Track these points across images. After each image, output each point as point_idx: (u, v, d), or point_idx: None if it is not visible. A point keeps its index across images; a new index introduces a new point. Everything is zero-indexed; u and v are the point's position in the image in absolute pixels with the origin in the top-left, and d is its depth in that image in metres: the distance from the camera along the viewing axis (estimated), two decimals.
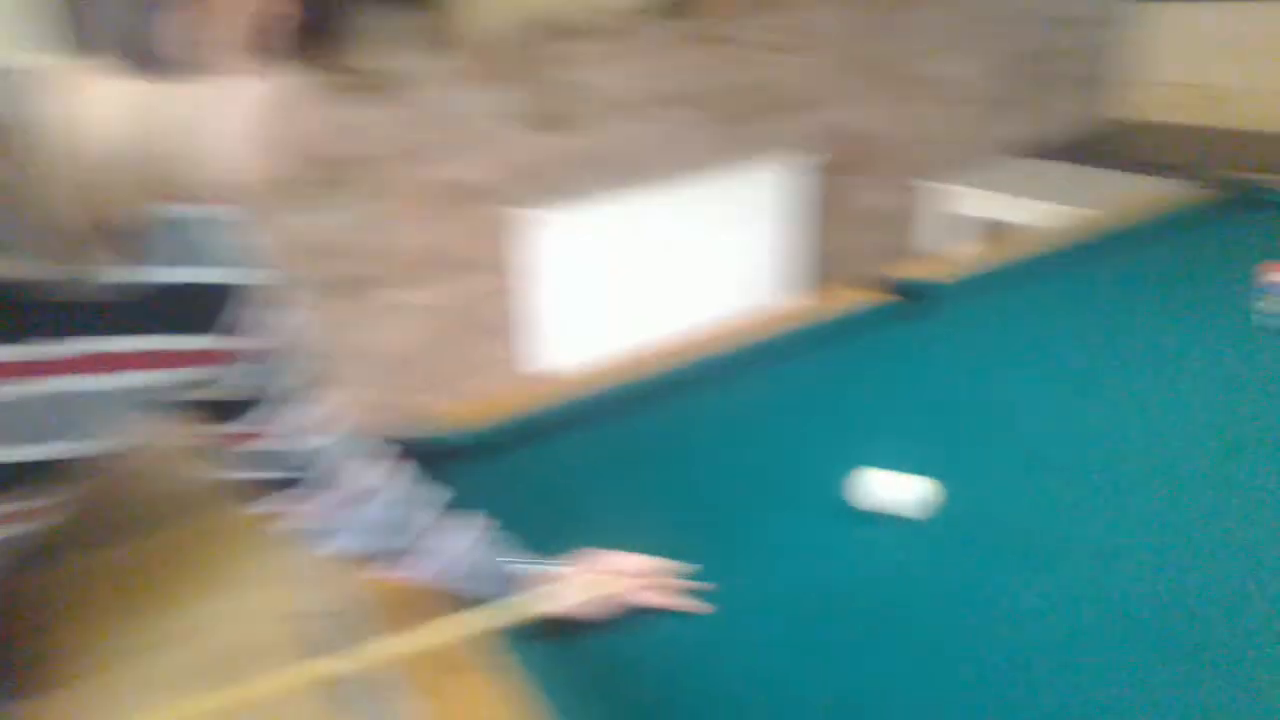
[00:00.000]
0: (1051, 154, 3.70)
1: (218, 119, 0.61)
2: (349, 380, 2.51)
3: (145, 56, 0.57)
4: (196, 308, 0.75)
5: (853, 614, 1.01)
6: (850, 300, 1.80)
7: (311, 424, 0.89)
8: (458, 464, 1.28)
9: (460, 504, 1.05)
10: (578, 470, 1.32)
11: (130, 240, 0.67)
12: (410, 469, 1.04)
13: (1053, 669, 0.91)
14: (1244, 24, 3.52)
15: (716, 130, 3.06)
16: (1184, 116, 3.82)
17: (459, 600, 0.98)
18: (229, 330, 0.78)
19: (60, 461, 0.69)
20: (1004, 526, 1.13)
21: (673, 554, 1.06)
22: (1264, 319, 1.58)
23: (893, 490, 1.16)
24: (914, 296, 1.79)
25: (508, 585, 0.99)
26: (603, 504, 1.24)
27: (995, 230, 3.49)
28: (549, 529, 1.10)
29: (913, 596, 1.03)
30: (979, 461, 1.27)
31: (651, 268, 2.94)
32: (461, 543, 1.00)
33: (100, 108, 0.59)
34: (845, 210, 3.44)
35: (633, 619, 1.01)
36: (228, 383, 0.81)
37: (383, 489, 0.97)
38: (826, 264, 3.46)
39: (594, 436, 1.40)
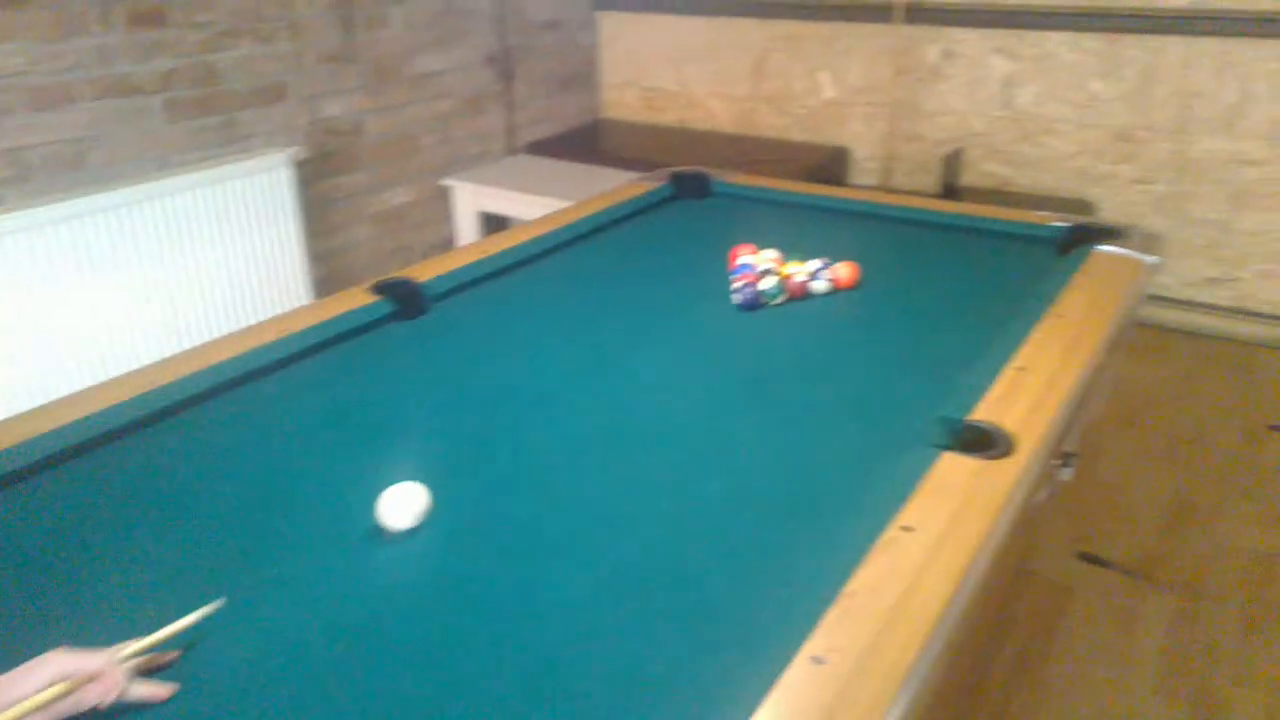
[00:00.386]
0: (548, 150, 3.88)
1: None
2: None
3: None
4: None
5: (388, 634, 0.88)
6: (344, 305, 1.65)
7: None
8: None
9: None
10: (54, 523, 1.07)
11: None
12: None
13: (585, 646, 0.87)
14: (681, 34, 4.00)
15: (175, 124, 2.67)
16: (645, 117, 4.25)
17: None
18: None
19: None
20: (515, 517, 1.08)
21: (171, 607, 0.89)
22: (737, 295, 1.75)
23: (399, 505, 1.08)
24: (406, 297, 1.71)
25: None
26: (89, 557, 1.03)
27: (497, 225, 3.56)
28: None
29: (442, 606, 0.93)
30: (485, 457, 1.22)
31: (111, 286, 2.48)
32: None
33: None
34: (346, 209, 3.25)
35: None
36: None
37: None
38: (327, 267, 3.24)
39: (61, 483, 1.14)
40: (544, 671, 0.89)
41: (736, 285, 1.70)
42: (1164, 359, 3.09)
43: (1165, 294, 3.34)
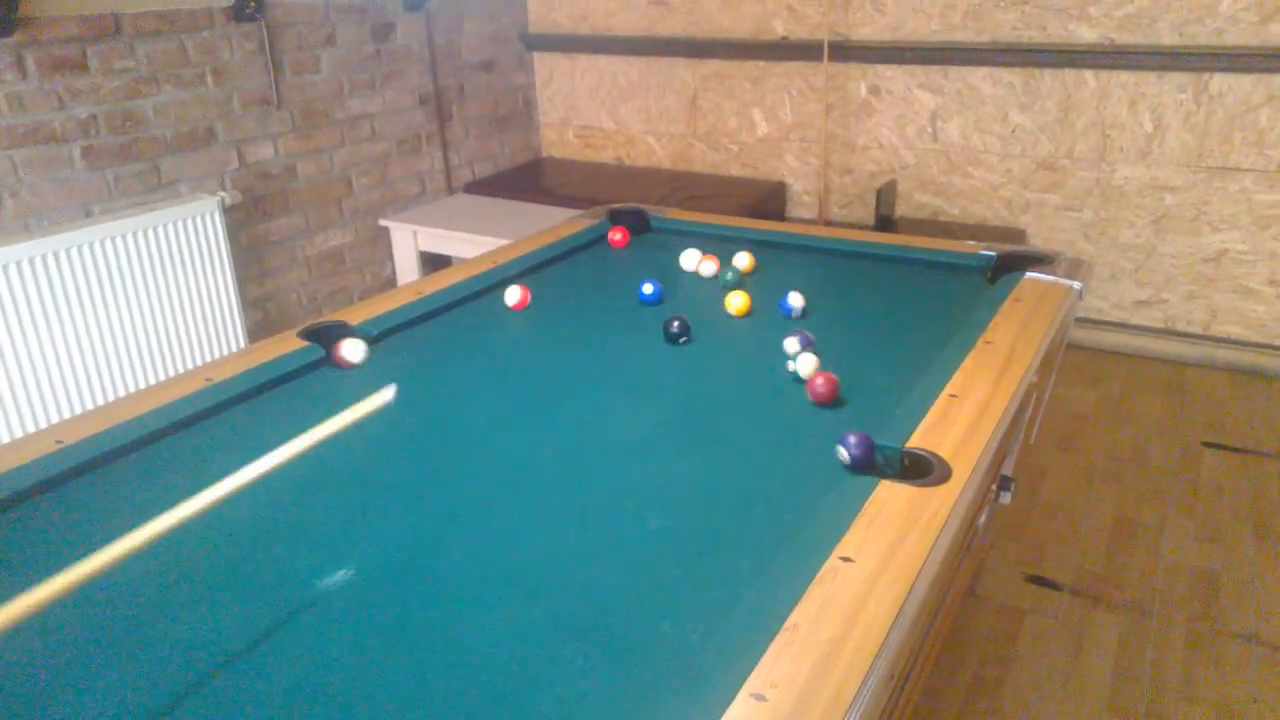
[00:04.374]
0: (487, 189, 3.86)
1: None
2: None
3: None
4: None
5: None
6: (273, 351, 1.60)
7: None
8: None
9: None
10: None
11: None
12: None
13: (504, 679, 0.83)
14: (614, 74, 4.04)
15: (97, 171, 2.60)
16: (583, 155, 4.27)
17: None
18: None
19: None
20: (447, 561, 1.04)
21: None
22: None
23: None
24: (333, 343, 1.67)
25: None
26: None
27: (438, 264, 3.53)
28: None
29: (375, 653, 0.88)
30: (417, 501, 1.18)
31: (34, 337, 2.39)
32: None
33: None
34: (280, 253, 3.19)
35: None
36: None
37: None
38: (263, 311, 3.17)
39: None
40: (480, 717, 0.85)
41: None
42: (1099, 380, 3.16)
43: (1097, 316, 3.42)
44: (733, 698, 0.83)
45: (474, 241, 3.29)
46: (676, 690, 0.88)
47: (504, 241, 2.89)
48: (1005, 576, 2.19)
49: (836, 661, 0.88)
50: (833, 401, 1.44)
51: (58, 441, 1.30)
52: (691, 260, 2.17)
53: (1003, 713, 1.78)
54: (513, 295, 1.85)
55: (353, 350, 1.61)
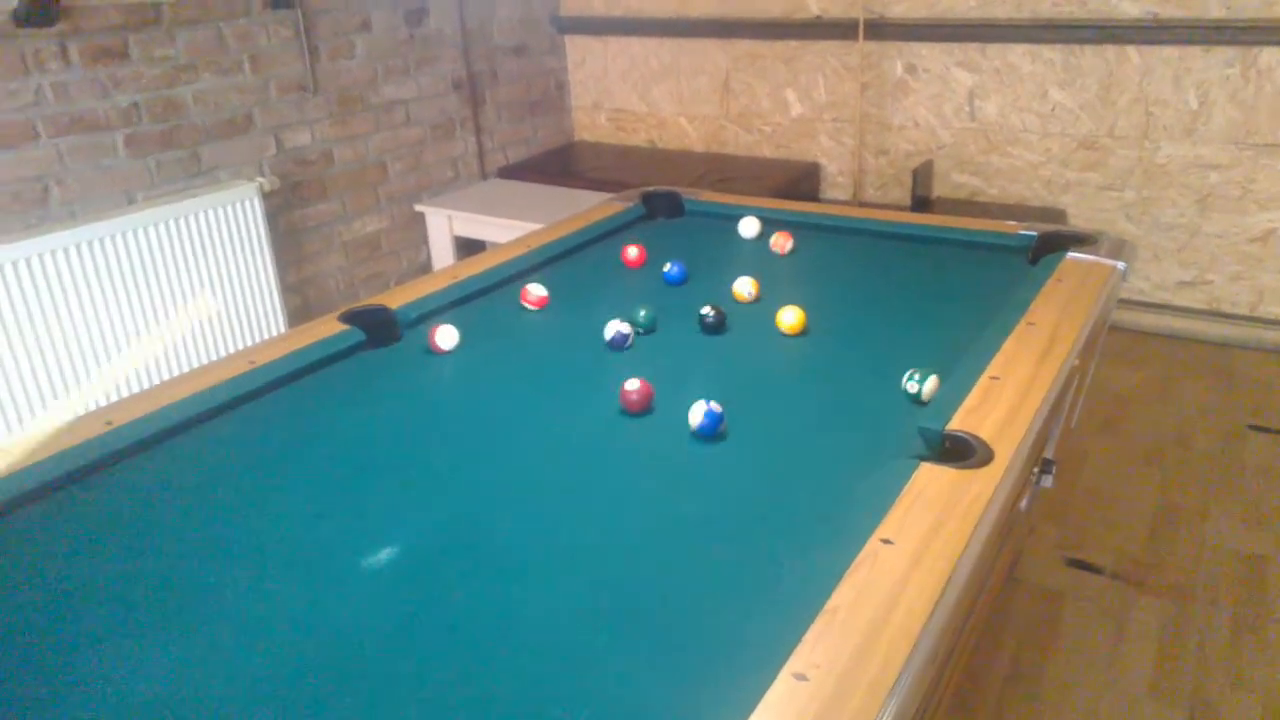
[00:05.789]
0: (520, 174, 3.87)
1: None
2: None
3: None
4: None
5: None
6: (313, 335, 1.62)
7: None
8: None
9: None
10: (25, 561, 1.00)
11: None
12: None
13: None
14: (645, 56, 4.02)
15: (139, 159, 2.64)
16: (615, 138, 4.26)
17: None
18: None
19: None
20: (491, 544, 1.06)
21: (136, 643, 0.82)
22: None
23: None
24: (377, 325, 1.68)
25: None
26: (55, 594, 0.94)
27: (473, 250, 3.55)
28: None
29: (417, 636, 0.90)
30: (462, 482, 1.19)
31: (82, 322, 2.44)
32: None
33: None
34: (318, 238, 3.22)
35: None
36: None
37: None
38: (301, 297, 3.21)
39: (39, 518, 1.08)
40: (525, 698, 0.86)
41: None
42: (1142, 363, 3.11)
43: (1140, 298, 3.36)
44: (774, 678, 0.84)
45: (508, 226, 3.30)
46: (718, 670, 0.88)
47: (537, 226, 2.89)
48: (1045, 560, 2.16)
49: (878, 644, 0.87)
50: (642, 409, 1.39)
51: (107, 423, 1.33)
52: (750, 228, 2.16)
53: (1042, 697, 1.77)
54: (537, 291, 1.83)
55: (447, 337, 1.62)
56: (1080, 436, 2.66)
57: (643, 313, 1.68)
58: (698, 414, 1.29)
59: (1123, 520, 2.29)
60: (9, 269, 2.28)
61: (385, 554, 1.08)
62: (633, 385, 1.38)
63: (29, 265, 2.32)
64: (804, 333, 1.65)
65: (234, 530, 1.13)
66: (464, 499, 1.19)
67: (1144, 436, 2.66)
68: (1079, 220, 3.35)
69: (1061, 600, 2.03)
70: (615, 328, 1.61)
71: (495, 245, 2.33)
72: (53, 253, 2.36)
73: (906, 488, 1.11)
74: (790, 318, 1.64)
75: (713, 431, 1.30)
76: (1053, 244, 1.96)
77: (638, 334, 1.68)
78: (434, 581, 1.03)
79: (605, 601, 0.99)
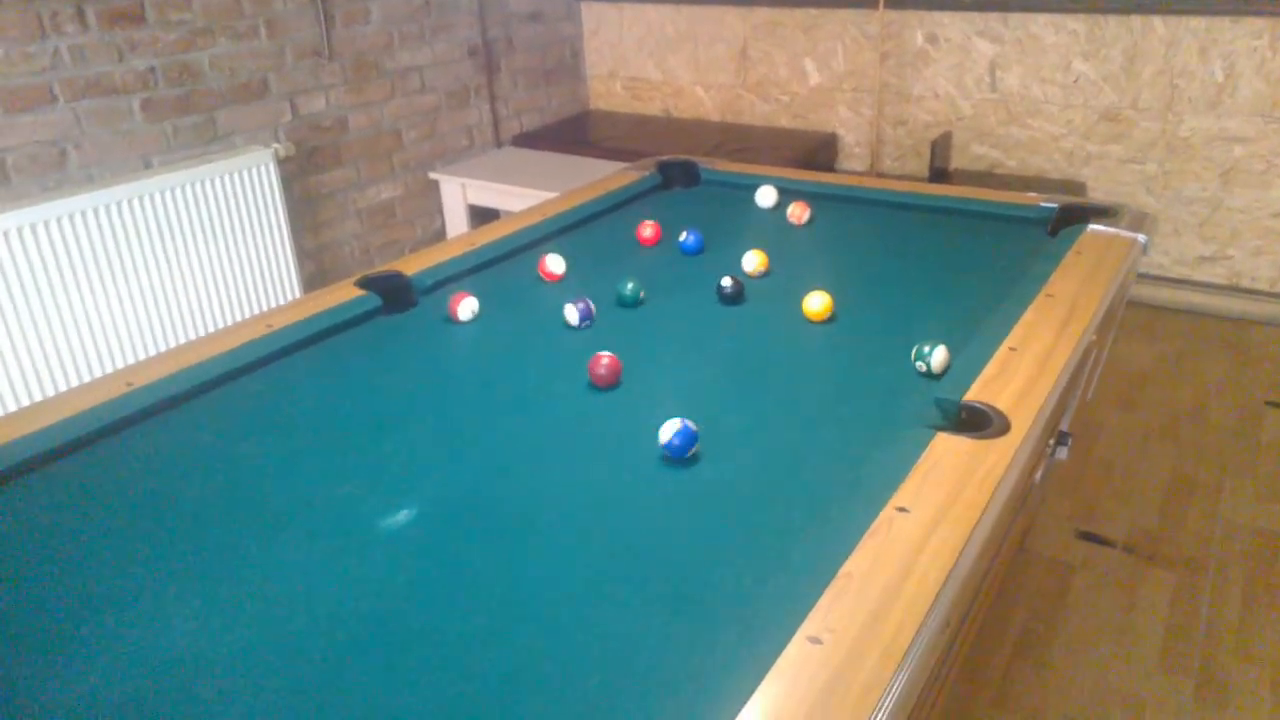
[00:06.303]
0: (535, 142, 3.85)
1: None
2: None
3: None
4: None
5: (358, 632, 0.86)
6: (330, 300, 1.63)
7: None
8: None
9: None
10: (47, 521, 1.02)
11: None
12: None
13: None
14: (662, 24, 3.98)
15: (155, 124, 2.64)
16: (631, 107, 4.23)
17: None
18: None
19: None
20: (506, 505, 1.07)
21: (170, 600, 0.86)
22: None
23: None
24: (393, 291, 1.69)
25: None
26: (80, 555, 0.99)
27: (487, 218, 3.54)
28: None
29: (433, 597, 0.91)
30: (477, 445, 1.20)
31: (98, 286, 2.45)
32: None
33: None
34: (333, 205, 3.23)
35: None
36: None
37: None
38: (317, 263, 3.22)
39: (60, 479, 1.14)
40: (540, 658, 0.87)
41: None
42: (1159, 338, 3.09)
43: (1159, 272, 3.33)
44: (788, 640, 0.84)
45: (522, 195, 3.29)
46: (732, 632, 0.89)
47: (552, 195, 2.89)
48: (1057, 532, 2.17)
49: (892, 610, 0.88)
50: (610, 384, 1.38)
51: (128, 384, 1.34)
52: (768, 197, 2.15)
53: (1051, 666, 1.78)
54: (556, 265, 1.81)
55: (467, 308, 1.62)
56: (1095, 410, 2.66)
57: (629, 286, 1.66)
58: (668, 432, 1.18)
59: (1136, 494, 2.29)
60: (27, 232, 2.30)
61: (402, 515, 1.09)
62: (602, 362, 1.37)
63: (46, 229, 2.33)
64: (831, 319, 1.58)
65: (253, 490, 1.15)
66: (480, 462, 1.19)
67: (1159, 411, 2.65)
68: (1099, 194, 3.32)
69: (1072, 572, 2.04)
70: (575, 310, 1.55)
71: (509, 214, 2.33)
72: (70, 216, 2.37)
73: (923, 457, 1.12)
74: (816, 304, 1.57)
75: (684, 453, 1.18)
76: (1073, 216, 1.94)
77: (625, 307, 1.66)
78: (450, 543, 1.04)
79: (621, 565, 1.00)
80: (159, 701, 0.83)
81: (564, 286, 1.77)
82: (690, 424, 1.18)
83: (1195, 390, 2.76)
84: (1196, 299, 3.27)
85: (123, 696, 0.84)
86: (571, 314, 1.57)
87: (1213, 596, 1.95)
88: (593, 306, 1.58)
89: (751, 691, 0.79)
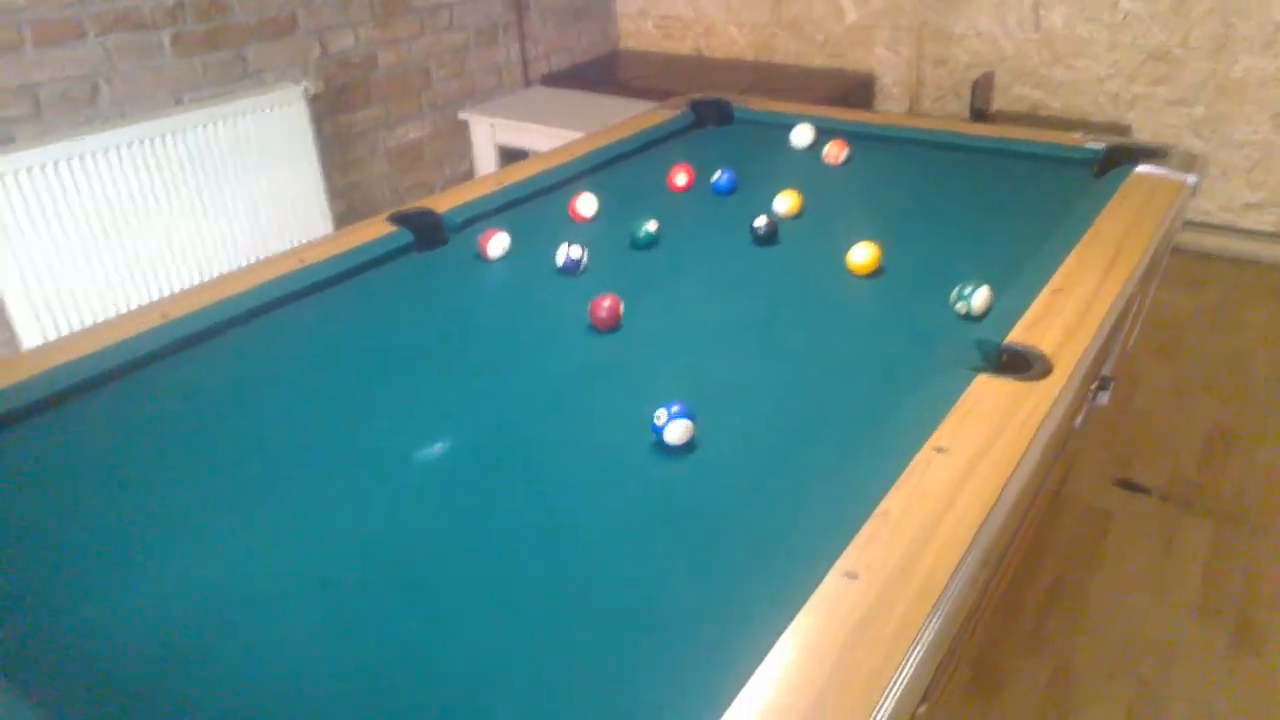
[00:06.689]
0: (564, 82, 3.79)
1: None
2: None
3: None
4: None
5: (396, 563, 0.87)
6: (362, 236, 1.62)
7: None
8: None
9: None
10: (88, 447, 1.09)
11: None
12: None
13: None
14: None
15: (185, 59, 2.62)
16: (662, 46, 4.14)
17: None
18: None
19: None
20: (537, 444, 1.07)
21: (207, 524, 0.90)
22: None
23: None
24: (425, 228, 1.68)
25: None
26: (116, 481, 1.03)
27: (515, 159, 3.50)
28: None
29: (465, 531, 0.91)
30: (511, 382, 1.20)
31: (128, 221, 2.46)
32: None
33: None
34: (363, 144, 3.20)
35: None
36: None
37: None
38: (347, 202, 3.21)
39: (99, 406, 1.17)
40: (571, 593, 0.87)
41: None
42: (1201, 285, 3.01)
43: (1204, 219, 3.24)
44: (823, 576, 0.84)
45: (551, 135, 3.25)
46: (766, 568, 0.88)
47: (581, 135, 2.84)
48: (1093, 479, 2.14)
49: (928, 548, 0.87)
50: (611, 325, 1.35)
51: (163, 315, 1.34)
52: (804, 136, 2.11)
53: (1084, 614, 1.77)
54: (587, 206, 1.79)
55: (498, 245, 1.60)
56: (1134, 358, 2.61)
57: (644, 229, 1.62)
58: (662, 418, 1.07)
59: (1174, 442, 2.26)
60: (63, 166, 2.30)
61: (437, 448, 1.09)
62: (603, 304, 1.34)
63: (81, 162, 2.33)
64: (878, 273, 1.49)
65: (288, 422, 1.15)
66: (514, 399, 1.19)
67: (1201, 360, 2.60)
68: (1144, 137, 3.22)
69: (1108, 520, 2.02)
70: (565, 253, 1.51)
71: (538, 154, 2.30)
72: (103, 151, 2.37)
73: (962, 398, 1.10)
74: (863, 256, 1.49)
75: (661, 433, 1.07)
76: (1120, 157, 1.88)
77: (638, 249, 1.62)
78: (483, 477, 1.04)
79: (650, 500, 1.00)
80: (197, 625, 0.85)
81: (594, 230, 1.74)
82: (678, 408, 1.07)
83: (1238, 339, 2.69)
84: (1242, 246, 3.18)
85: (161, 620, 0.85)
86: (560, 256, 1.52)
87: (1251, 547, 1.93)
88: (584, 258, 1.53)
89: (788, 623, 0.78)
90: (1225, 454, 2.21)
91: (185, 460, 1.09)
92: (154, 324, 1.33)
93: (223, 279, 1.47)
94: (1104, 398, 1.52)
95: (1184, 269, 3.12)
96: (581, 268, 1.53)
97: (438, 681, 0.78)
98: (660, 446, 1.08)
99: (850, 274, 1.50)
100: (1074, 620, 1.76)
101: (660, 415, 1.07)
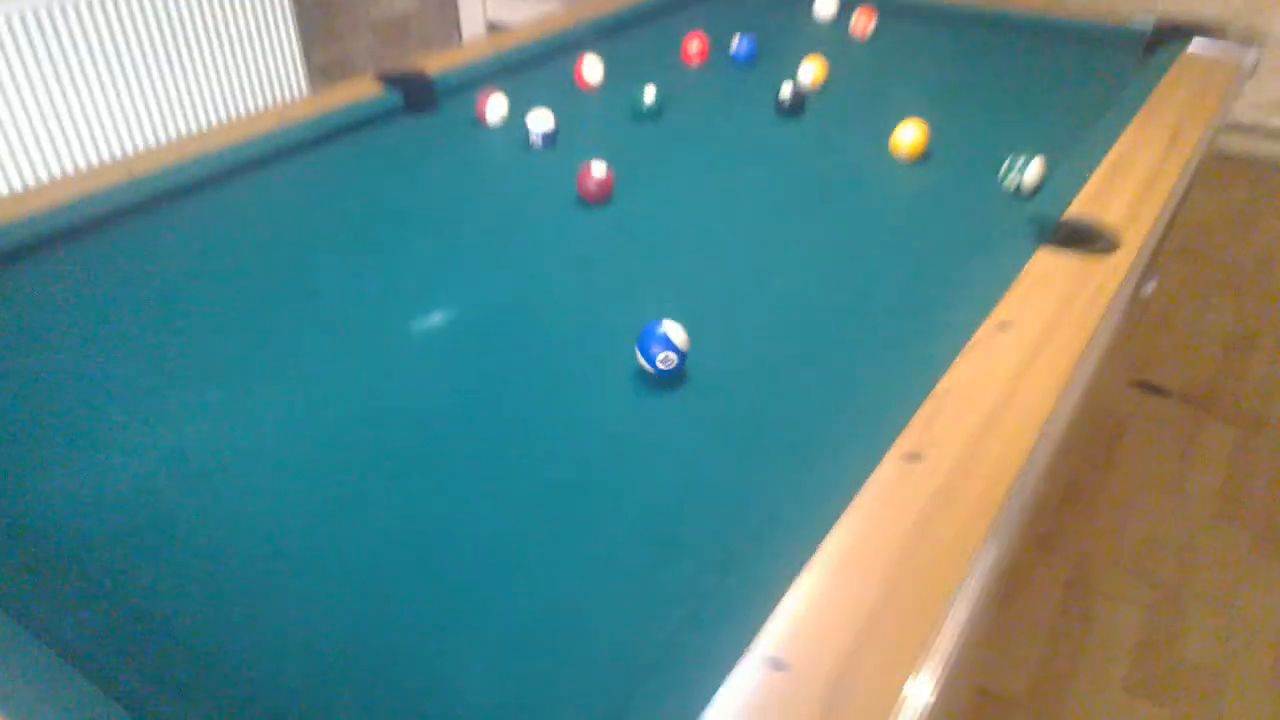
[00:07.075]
0: None
1: None
2: None
3: None
4: None
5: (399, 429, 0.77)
6: (349, 95, 1.47)
7: None
8: None
9: None
10: (45, 309, 0.93)
11: None
12: None
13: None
14: None
15: None
16: None
17: None
18: None
19: None
20: (552, 319, 0.96)
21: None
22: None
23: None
24: (416, 90, 1.53)
25: None
26: (83, 341, 0.90)
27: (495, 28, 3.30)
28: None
29: (470, 404, 0.82)
30: (527, 249, 1.08)
31: (103, 78, 2.28)
32: None
33: None
34: (345, 16, 2.99)
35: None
36: None
37: None
38: (329, 80, 3.01)
39: (58, 266, 1.05)
40: (614, 471, 0.78)
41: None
42: (1225, 187, 2.90)
43: (1231, 119, 3.10)
44: (880, 458, 0.75)
45: (547, 9, 3.04)
46: (814, 453, 0.79)
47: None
48: (1109, 381, 2.07)
49: (999, 429, 0.78)
50: (601, 198, 1.22)
51: (130, 173, 1.21)
52: (828, 7, 1.95)
53: (1099, 518, 1.72)
54: (593, 72, 1.63)
55: (496, 107, 1.45)
56: (1156, 259, 2.51)
57: (644, 97, 1.46)
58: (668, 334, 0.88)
59: (1195, 345, 2.18)
60: (30, 19, 2.11)
61: (436, 317, 0.98)
62: (597, 174, 1.20)
63: (50, 16, 2.14)
64: (925, 157, 1.34)
65: (271, 286, 1.03)
66: (517, 270, 1.08)
67: (1224, 262, 2.50)
68: None
69: (1124, 423, 1.95)
70: (539, 122, 1.35)
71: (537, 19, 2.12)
72: (73, 6, 2.17)
73: (1023, 273, 0.99)
74: (910, 135, 1.33)
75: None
76: (1170, 34, 1.74)
77: (642, 118, 1.47)
78: (484, 349, 0.94)
79: (679, 386, 0.90)
80: (172, 498, 0.75)
81: (601, 100, 1.60)
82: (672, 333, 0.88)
83: (1262, 242, 2.60)
84: (1272, 147, 3.05)
85: (133, 491, 0.75)
86: (533, 136, 1.36)
87: (1274, 451, 1.87)
88: (555, 126, 1.37)
89: (843, 510, 0.69)
90: (1247, 357, 2.14)
91: (160, 324, 0.97)
92: (119, 180, 1.19)
93: (196, 136, 1.33)
94: (1149, 288, 1.42)
95: (1209, 170, 2.99)
96: (554, 139, 1.37)
97: (435, 560, 0.69)
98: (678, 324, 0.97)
99: (892, 156, 1.37)
100: (1091, 522, 1.70)
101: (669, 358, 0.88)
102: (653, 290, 1.03)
